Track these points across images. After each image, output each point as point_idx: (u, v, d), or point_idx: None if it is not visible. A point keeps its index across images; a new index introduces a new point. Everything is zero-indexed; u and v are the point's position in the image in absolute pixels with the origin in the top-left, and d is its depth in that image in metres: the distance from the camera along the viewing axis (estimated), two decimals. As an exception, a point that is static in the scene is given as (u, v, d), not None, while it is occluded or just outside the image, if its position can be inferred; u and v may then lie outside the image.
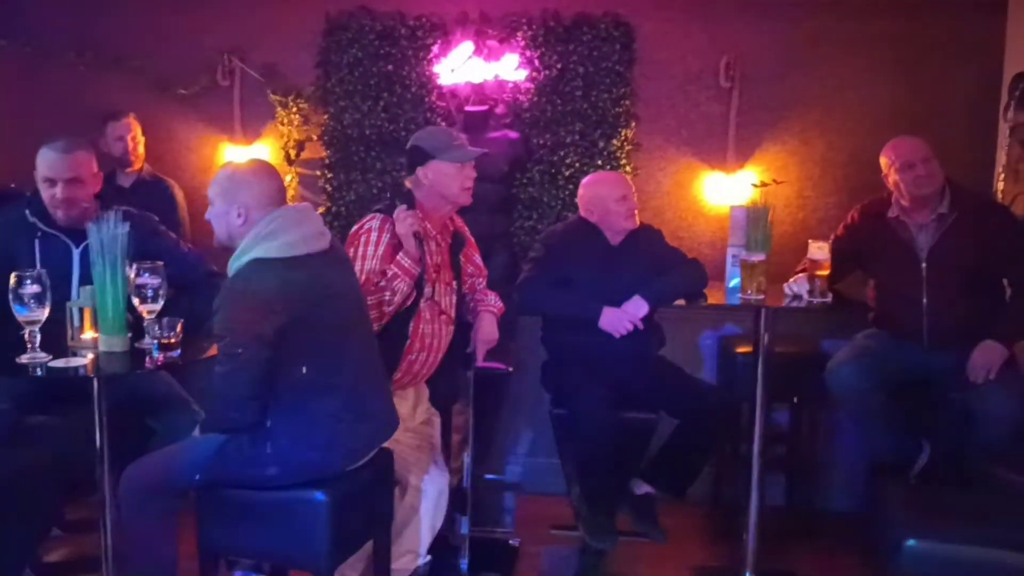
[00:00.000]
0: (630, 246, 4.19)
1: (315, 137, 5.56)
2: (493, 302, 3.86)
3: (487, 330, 3.75)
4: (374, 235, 3.45)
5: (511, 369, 4.05)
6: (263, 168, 3.06)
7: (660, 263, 4.20)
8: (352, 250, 3.42)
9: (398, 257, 3.32)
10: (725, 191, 5.32)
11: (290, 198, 5.10)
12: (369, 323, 3.20)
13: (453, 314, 3.63)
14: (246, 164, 3.09)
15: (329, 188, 5.55)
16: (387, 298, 3.34)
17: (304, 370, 2.86)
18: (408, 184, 3.56)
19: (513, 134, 5.24)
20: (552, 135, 5.35)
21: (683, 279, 4.20)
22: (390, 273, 3.32)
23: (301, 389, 2.87)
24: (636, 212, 4.17)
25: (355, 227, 3.51)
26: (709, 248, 5.39)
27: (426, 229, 3.44)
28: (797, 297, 4.13)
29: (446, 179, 3.49)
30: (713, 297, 4.25)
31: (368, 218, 3.51)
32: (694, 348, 5.35)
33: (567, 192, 5.31)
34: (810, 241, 4.26)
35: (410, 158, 3.58)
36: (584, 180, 4.32)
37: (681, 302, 4.16)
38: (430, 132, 3.66)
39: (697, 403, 4.09)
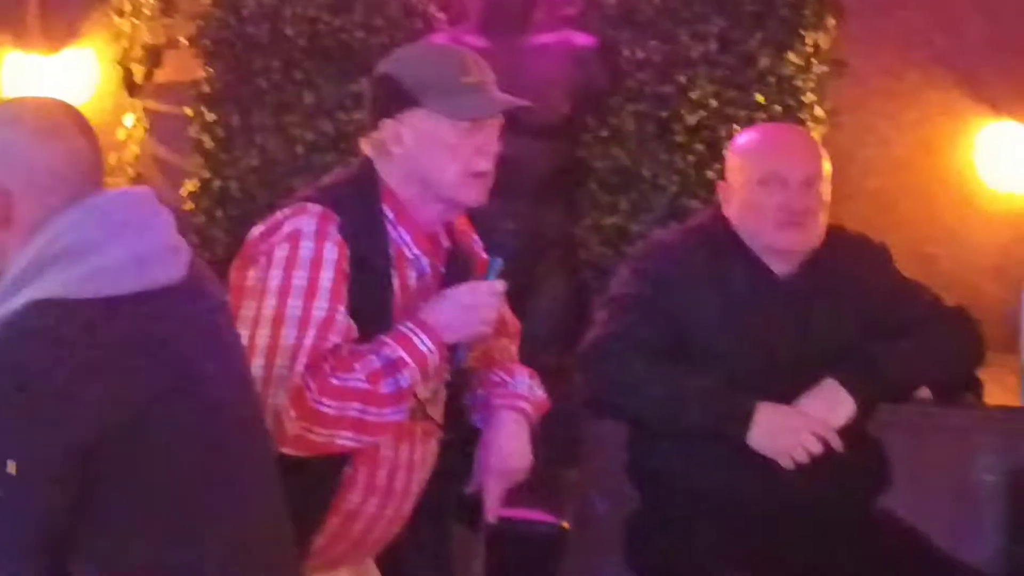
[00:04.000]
0: (815, 282, 3.06)
1: (184, 40, 4.55)
2: (527, 391, 2.75)
3: (510, 449, 2.69)
4: (305, 250, 2.47)
5: (565, 525, 3.56)
6: (52, 115, 2.24)
7: (881, 316, 3.04)
8: (246, 280, 2.48)
9: (424, 319, 2.51)
10: (1018, 162, 4.30)
11: (127, 166, 4.45)
12: (264, 436, 2.30)
13: (441, 415, 2.70)
14: (15, 106, 2.37)
15: (210, 143, 4.40)
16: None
17: (129, 524, 2.14)
18: (366, 148, 2.57)
19: (582, 38, 4.18)
20: (663, 43, 4.19)
21: (928, 348, 3.06)
22: (386, 350, 2.45)
23: (124, 555, 2.16)
24: (810, 216, 3.02)
25: (257, 230, 2.52)
26: (987, 280, 4.32)
27: (398, 247, 2.58)
28: None
29: (438, 151, 2.53)
30: (996, 388, 3.57)
31: (289, 211, 2.51)
32: (956, 491, 3.92)
33: (693, 160, 4.11)
34: None
35: (376, 97, 2.61)
36: (733, 141, 3.22)
37: (926, 394, 3.26)
38: (418, 52, 2.82)
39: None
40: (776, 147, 3.12)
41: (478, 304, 2.56)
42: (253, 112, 4.34)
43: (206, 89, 4.40)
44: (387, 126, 2.55)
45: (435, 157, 2.54)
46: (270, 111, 4.32)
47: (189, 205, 4.14)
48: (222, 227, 4.26)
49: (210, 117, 4.37)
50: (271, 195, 4.00)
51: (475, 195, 2.57)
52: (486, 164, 2.56)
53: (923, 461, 3.70)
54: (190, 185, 4.33)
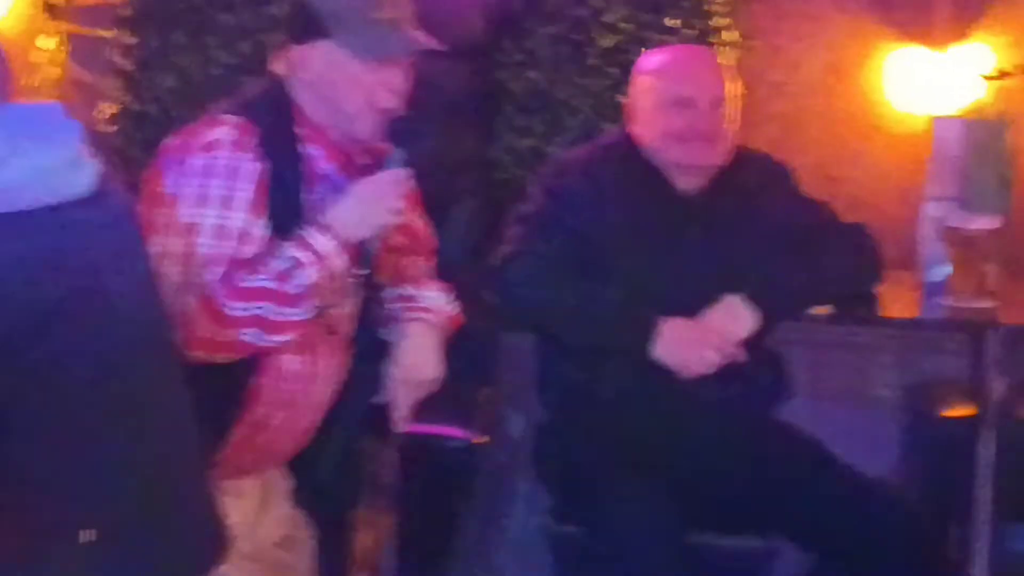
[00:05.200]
0: (719, 199, 3.23)
1: None
2: (437, 303, 2.91)
3: (420, 359, 2.81)
4: (224, 159, 2.53)
5: (476, 440, 3.63)
6: None
7: (784, 231, 3.25)
8: (161, 187, 2.53)
9: (325, 221, 2.55)
10: (924, 86, 4.32)
11: (47, 89, 4.35)
12: (168, 348, 2.29)
13: (351, 328, 2.77)
14: None
15: (129, 65, 4.36)
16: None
17: (25, 451, 2.09)
18: (279, 68, 2.70)
19: None
20: None
21: (828, 264, 3.27)
22: (288, 251, 2.49)
23: (18, 482, 2.13)
24: (718, 135, 3.18)
25: (173, 138, 2.60)
26: (889, 201, 4.36)
27: (309, 163, 2.66)
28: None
29: (342, 83, 2.63)
30: (893, 302, 3.64)
31: (209, 120, 2.60)
32: (853, 405, 4.21)
33: (606, 85, 4.16)
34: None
35: (291, 21, 2.76)
36: (639, 61, 3.34)
37: (825, 310, 3.45)
38: None
39: (858, 519, 3.14)
40: (683, 70, 3.22)
41: (380, 195, 2.60)
42: (171, 34, 4.28)
43: (126, 12, 4.31)
44: (298, 51, 2.61)
45: (339, 89, 2.62)
46: (188, 33, 4.27)
47: (108, 128, 4.08)
48: (141, 148, 4.11)
49: (129, 40, 4.31)
50: (189, 117, 3.86)
51: (372, 130, 2.63)
52: (390, 99, 2.62)
53: (823, 376, 3.93)
54: (108, 108, 4.28)
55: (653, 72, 3.28)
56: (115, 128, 4.09)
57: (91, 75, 4.43)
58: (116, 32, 4.29)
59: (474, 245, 3.90)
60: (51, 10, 4.34)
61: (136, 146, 4.03)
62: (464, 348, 3.07)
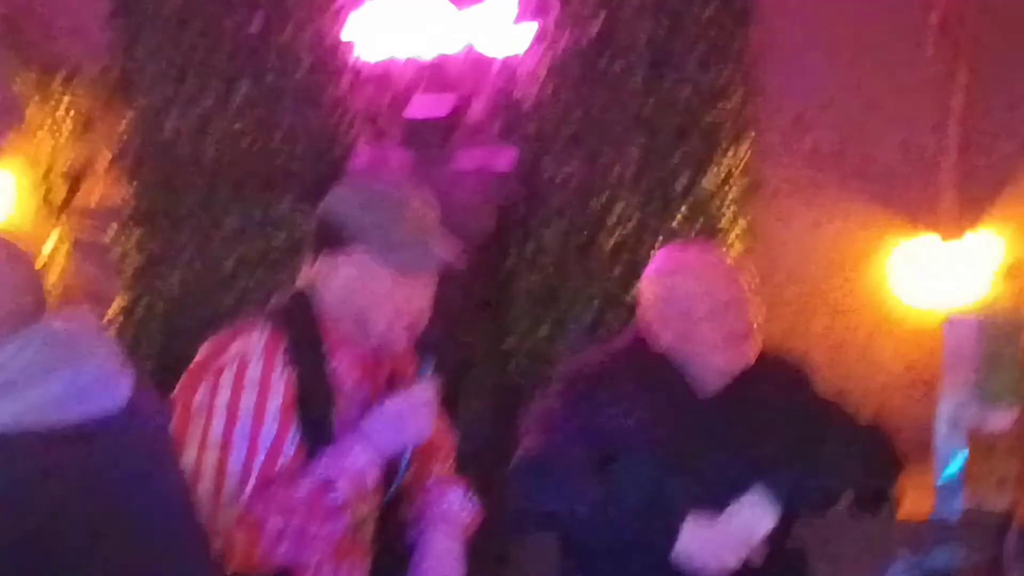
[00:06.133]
0: (739, 402, 3.08)
1: (107, 154, 4.57)
2: (459, 507, 2.77)
3: (442, 567, 2.69)
4: (253, 370, 2.47)
5: None
6: None
7: (803, 432, 3.04)
8: (194, 400, 2.46)
9: (359, 436, 2.49)
10: (935, 280, 4.29)
11: (51, 285, 4.37)
12: (201, 561, 2.24)
13: (372, 529, 2.65)
14: None
15: (134, 263, 4.43)
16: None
17: None
18: (304, 279, 2.60)
19: (504, 160, 4.24)
20: (583, 164, 4.25)
21: (847, 463, 3.07)
22: (322, 467, 2.44)
23: None
24: (751, 335, 3.08)
25: (204, 349, 2.54)
26: (903, 398, 4.30)
27: (336, 375, 2.57)
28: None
29: (370, 298, 2.54)
30: (910, 501, 3.47)
31: (238, 330, 2.53)
32: None
33: (614, 278, 4.19)
34: None
35: (316, 232, 2.63)
36: (649, 265, 3.22)
37: (843, 506, 3.15)
38: (361, 193, 2.64)
39: None
40: (711, 274, 3.14)
41: (413, 412, 2.58)
42: (181, 232, 4.36)
43: (129, 211, 4.40)
44: (324, 263, 2.56)
45: (367, 301, 2.54)
46: (194, 231, 4.34)
47: (115, 326, 4.04)
48: (146, 349, 4.19)
49: (133, 236, 4.38)
50: (196, 316, 3.96)
51: (402, 343, 2.56)
52: (418, 312, 2.56)
53: (842, 572, 3.68)
54: (115, 306, 4.30)
55: (678, 278, 3.18)
56: (121, 326, 4.06)
57: (94, 272, 4.50)
58: (120, 231, 4.39)
59: (489, 439, 3.86)
60: (54, 209, 4.47)
61: (143, 345, 4.03)
62: (481, 546, 2.93)
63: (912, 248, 4.30)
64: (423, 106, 4.25)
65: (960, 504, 3.55)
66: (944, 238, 4.25)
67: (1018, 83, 4.27)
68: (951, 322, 3.84)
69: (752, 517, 2.93)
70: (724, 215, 4.16)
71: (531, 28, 4.25)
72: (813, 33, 4.39)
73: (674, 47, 4.21)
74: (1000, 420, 3.55)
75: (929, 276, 4.28)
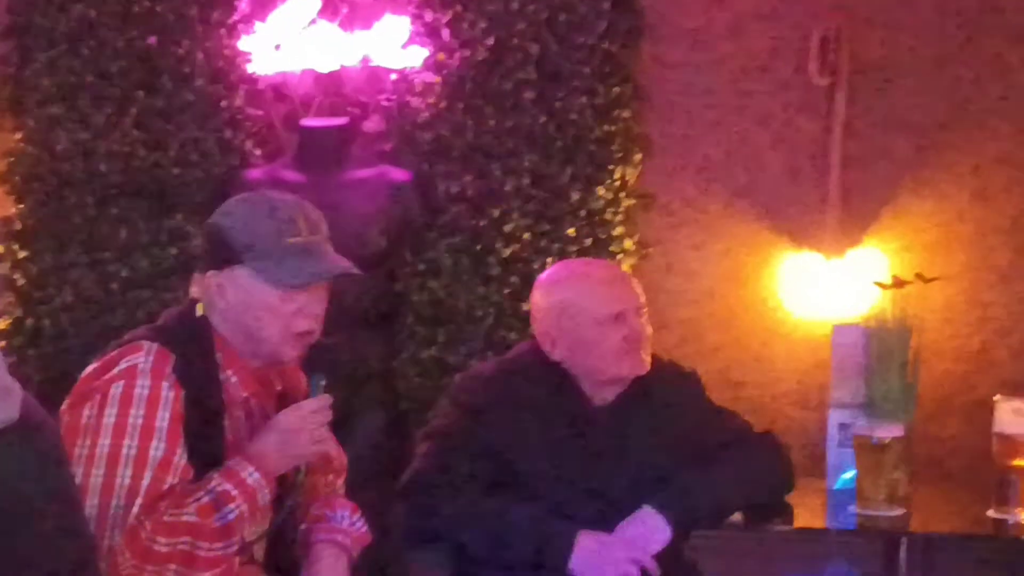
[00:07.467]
0: (632, 411, 3.18)
1: None
2: (347, 525, 2.82)
3: None
4: (140, 387, 2.46)
5: None
6: None
7: (695, 443, 3.19)
8: (81, 418, 2.48)
9: (249, 453, 2.52)
10: (821, 293, 4.33)
11: None
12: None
13: (263, 550, 2.69)
14: None
15: (22, 280, 4.31)
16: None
17: None
18: (195, 293, 2.64)
19: (399, 173, 4.19)
20: (477, 178, 4.23)
21: (741, 474, 3.20)
22: (213, 485, 2.47)
23: None
24: (646, 343, 3.16)
25: (91, 366, 2.54)
26: (795, 407, 4.37)
27: (228, 390, 2.59)
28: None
29: (259, 311, 2.57)
30: (804, 512, 3.57)
31: (125, 349, 2.53)
32: None
33: (507, 294, 4.18)
34: (997, 398, 3.56)
35: (205, 247, 2.69)
36: (542, 276, 3.30)
37: (737, 518, 3.31)
38: (248, 206, 2.67)
39: None
40: (607, 285, 3.20)
41: (303, 427, 2.56)
42: (69, 250, 4.27)
43: (17, 227, 4.31)
44: (213, 277, 2.58)
45: (256, 316, 2.58)
46: (84, 248, 4.26)
47: (2, 342, 3.95)
48: (35, 365, 4.15)
49: (21, 254, 4.28)
50: (86, 333, 3.94)
51: (296, 354, 2.59)
52: (308, 324, 2.59)
53: None
54: (1, 323, 4.23)
55: (571, 286, 3.25)
56: (7, 344, 3.98)
57: (-19, 293, 4.39)
58: (7, 247, 4.27)
59: (380, 458, 3.87)
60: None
61: (30, 364, 4.00)
62: (372, 566, 2.98)
63: (798, 264, 4.35)
64: (320, 119, 4.21)
65: (854, 513, 3.57)
66: (827, 257, 4.30)
67: (895, 106, 4.33)
68: (838, 331, 3.89)
69: (646, 530, 3.02)
70: (615, 230, 4.18)
71: (421, 53, 4.22)
72: (702, 51, 4.43)
73: (564, 64, 4.20)
74: (890, 430, 3.57)
75: (816, 291, 4.30)
